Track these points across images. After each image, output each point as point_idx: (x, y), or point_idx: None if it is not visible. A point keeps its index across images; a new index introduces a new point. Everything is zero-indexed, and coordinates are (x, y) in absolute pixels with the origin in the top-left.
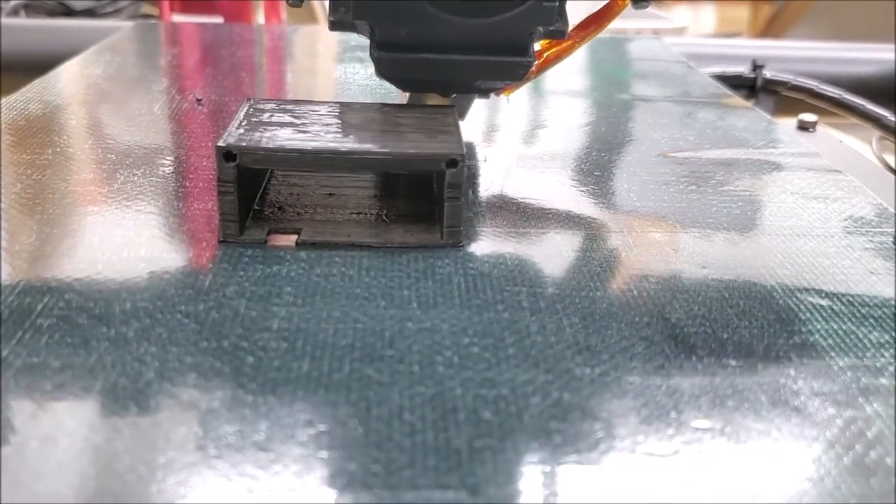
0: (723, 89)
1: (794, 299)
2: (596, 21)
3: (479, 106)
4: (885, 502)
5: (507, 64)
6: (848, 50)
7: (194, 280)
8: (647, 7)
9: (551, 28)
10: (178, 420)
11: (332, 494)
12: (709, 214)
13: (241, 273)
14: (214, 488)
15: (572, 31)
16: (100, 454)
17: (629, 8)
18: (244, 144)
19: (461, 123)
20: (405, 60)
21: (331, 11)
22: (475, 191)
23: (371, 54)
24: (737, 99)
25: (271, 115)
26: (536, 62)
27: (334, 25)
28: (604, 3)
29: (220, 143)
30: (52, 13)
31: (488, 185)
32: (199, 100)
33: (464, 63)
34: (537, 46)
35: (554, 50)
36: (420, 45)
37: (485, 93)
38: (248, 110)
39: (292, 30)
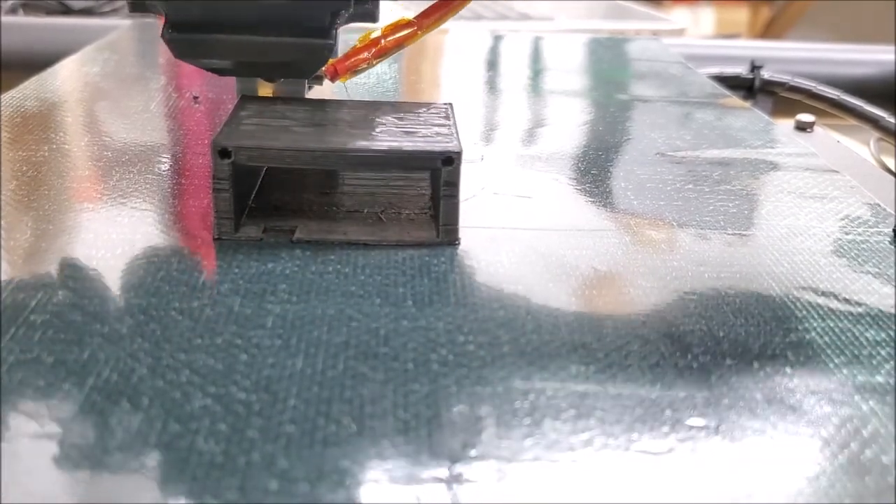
0: (721, 90)
1: (790, 297)
2: (440, 9)
3: (478, 105)
4: (880, 501)
5: (306, 46)
6: (847, 51)
7: (189, 277)
8: None
9: (358, 11)
10: (171, 417)
11: (325, 492)
12: (706, 213)
13: (236, 270)
14: (207, 486)
15: (416, 17)
16: (92, 451)
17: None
18: (240, 142)
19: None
20: (199, 41)
21: None
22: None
23: (162, 35)
24: (735, 99)
25: (267, 113)
26: (374, 49)
27: (133, 7)
28: None
29: (216, 140)
30: (51, 11)
31: (485, 183)
32: (196, 98)
33: (260, 44)
34: (377, 33)
35: (393, 38)
36: (214, 25)
37: (308, 77)
38: (243, 107)
39: None
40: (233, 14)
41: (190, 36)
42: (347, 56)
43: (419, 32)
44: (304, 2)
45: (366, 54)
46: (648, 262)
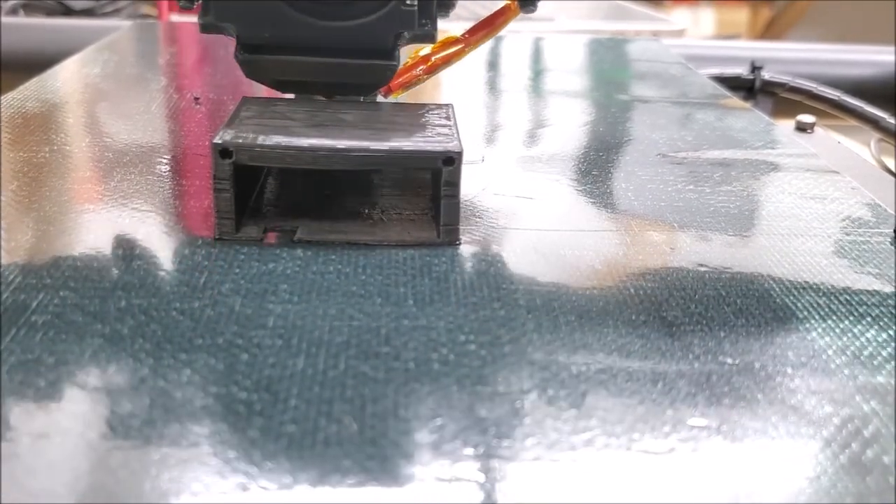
0: (721, 90)
1: (791, 298)
2: (487, 26)
3: (479, 106)
4: (881, 501)
5: (372, 67)
6: (847, 52)
7: (189, 277)
8: (533, 11)
9: (418, 32)
10: (172, 416)
11: (326, 491)
12: (707, 214)
13: (237, 270)
14: (208, 485)
15: (462, 35)
16: (93, 451)
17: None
18: (240, 141)
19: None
20: (269, 62)
21: (201, 14)
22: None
23: (235, 56)
24: (735, 100)
25: (268, 113)
26: (424, 66)
27: (204, 28)
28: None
29: (217, 140)
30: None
31: (486, 184)
32: (196, 98)
33: (327, 65)
34: (427, 50)
35: (442, 55)
36: (283, 47)
37: (366, 94)
38: (244, 108)
39: None
40: (301, 37)
41: (261, 57)
42: (400, 73)
43: (466, 49)
44: (371, 25)
45: (417, 71)
46: (649, 262)
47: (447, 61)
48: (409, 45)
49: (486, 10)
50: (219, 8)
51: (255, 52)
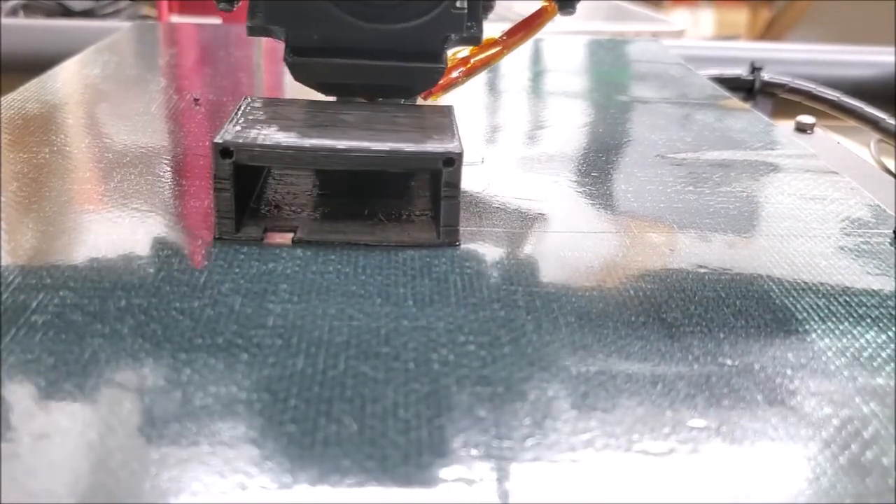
0: (721, 91)
1: (790, 299)
2: (524, 28)
3: (479, 107)
4: (880, 502)
5: (420, 70)
6: (847, 53)
7: (189, 277)
8: (572, 13)
9: (465, 34)
10: (172, 416)
11: (325, 491)
12: (706, 215)
13: (237, 270)
14: (207, 484)
15: (500, 37)
16: (93, 450)
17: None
18: (241, 141)
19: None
20: (318, 65)
21: (248, 17)
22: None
23: (285, 59)
24: (735, 101)
25: (269, 113)
26: (463, 69)
27: (251, 31)
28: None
29: (217, 140)
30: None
31: (485, 185)
32: (196, 100)
33: (376, 68)
34: (465, 52)
35: (481, 56)
36: (332, 49)
37: (409, 96)
38: (245, 108)
39: None
40: (350, 39)
41: (310, 60)
42: None
43: (504, 51)
44: (420, 28)
45: (456, 73)
46: (649, 263)
47: (486, 63)
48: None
49: (507, 10)
50: (269, 10)
51: (303, 54)
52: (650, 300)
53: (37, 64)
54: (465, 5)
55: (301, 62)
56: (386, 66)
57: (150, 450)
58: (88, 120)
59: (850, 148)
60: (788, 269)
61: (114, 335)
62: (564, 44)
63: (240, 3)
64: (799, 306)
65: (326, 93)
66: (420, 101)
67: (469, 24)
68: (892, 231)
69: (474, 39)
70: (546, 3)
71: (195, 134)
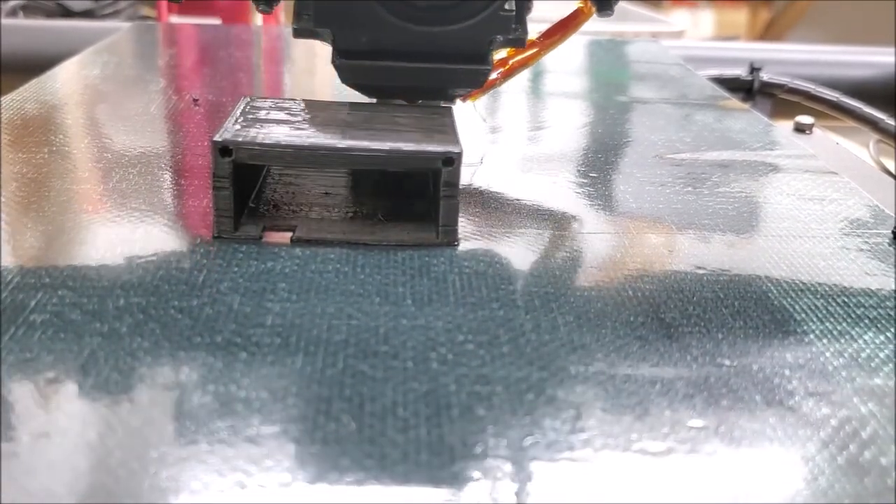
0: (720, 92)
1: (789, 300)
2: (561, 29)
3: (478, 107)
4: (878, 502)
5: (466, 72)
6: (846, 53)
7: (188, 276)
8: (610, 15)
9: (511, 37)
10: (171, 415)
11: (324, 489)
12: (705, 216)
13: (236, 269)
14: (206, 483)
15: (537, 38)
16: (92, 449)
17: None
18: (240, 140)
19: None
20: (365, 67)
21: (294, 19)
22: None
23: (332, 62)
24: (734, 101)
25: (268, 112)
26: (501, 70)
27: (298, 33)
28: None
29: (217, 138)
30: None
31: (484, 185)
32: (195, 100)
33: (423, 71)
34: (503, 54)
35: (519, 58)
36: (379, 52)
37: (450, 99)
38: (244, 107)
39: (290, 31)
40: (399, 42)
41: (358, 63)
42: None
43: (542, 52)
44: (468, 30)
45: (495, 75)
46: (647, 264)
47: (524, 64)
48: None
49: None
50: (318, 12)
51: (351, 57)
52: (649, 300)
53: (36, 64)
54: (514, 8)
55: (348, 65)
56: (433, 68)
57: (149, 449)
58: (88, 120)
59: (849, 148)
60: (787, 270)
61: (112, 334)
62: (564, 44)
63: (279, 4)
64: (797, 307)
65: (369, 95)
66: (459, 103)
67: (514, 26)
68: (890, 231)
69: (519, 41)
70: (582, 4)
71: (194, 134)
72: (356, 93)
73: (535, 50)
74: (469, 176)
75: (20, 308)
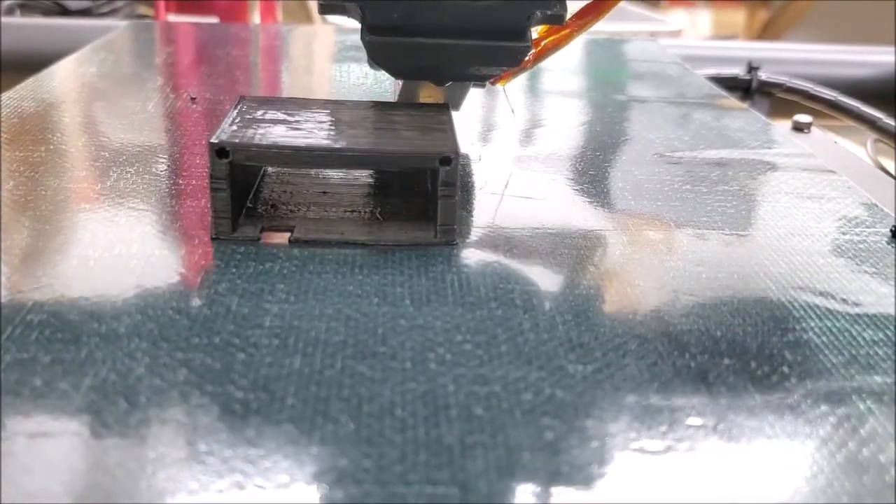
0: (718, 91)
1: (788, 297)
2: (594, 10)
3: (476, 106)
4: (877, 500)
5: (504, 49)
6: (844, 52)
7: (186, 277)
8: None
9: (549, 12)
10: (168, 416)
11: (322, 490)
12: (703, 214)
13: (234, 270)
14: (204, 484)
15: (570, 19)
16: (90, 450)
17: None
18: (237, 141)
19: (456, 115)
20: (397, 45)
21: None
22: (469, 189)
23: (362, 38)
24: (732, 100)
25: (265, 113)
26: (533, 51)
27: (324, 8)
28: None
29: (213, 140)
30: (48, 12)
31: (482, 183)
32: (193, 98)
33: (458, 48)
34: (535, 34)
35: (552, 38)
36: (413, 28)
37: (480, 81)
38: (241, 107)
39: (288, 29)
40: (433, 18)
41: (389, 39)
42: None
43: (574, 33)
44: (505, 4)
45: (527, 56)
46: (646, 262)
47: (557, 45)
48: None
49: None
50: None
51: (382, 33)
52: (647, 298)
53: (34, 62)
54: None
55: (379, 41)
56: (470, 44)
57: (146, 449)
58: (85, 118)
59: (847, 147)
60: (785, 268)
61: (110, 334)
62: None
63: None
64: (796, 304)
65: (399, 76)
66: (489, 86)
67: (553, 2)
68: (888, 229)
69: (559, 18)
70: None
71: (192, 133)
72: (354, 92)
73: (567, 31)
74: (467, 175)
75: (18, 308)
